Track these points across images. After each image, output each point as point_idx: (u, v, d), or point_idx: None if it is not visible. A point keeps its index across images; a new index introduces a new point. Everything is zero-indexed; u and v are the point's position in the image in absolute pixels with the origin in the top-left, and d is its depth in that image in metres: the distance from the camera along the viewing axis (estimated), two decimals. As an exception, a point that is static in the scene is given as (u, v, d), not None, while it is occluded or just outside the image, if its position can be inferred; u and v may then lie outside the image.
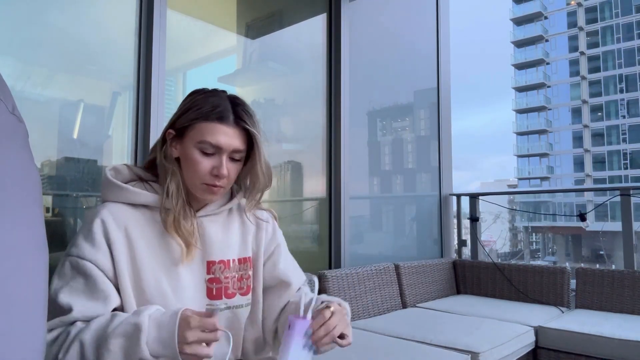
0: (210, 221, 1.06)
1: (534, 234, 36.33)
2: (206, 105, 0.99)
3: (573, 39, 40.04)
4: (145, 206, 1.01)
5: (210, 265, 1.04)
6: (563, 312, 2.63)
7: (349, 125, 2.86)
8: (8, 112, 0.39)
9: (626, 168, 36.58)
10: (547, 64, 41.81)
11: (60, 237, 1.81)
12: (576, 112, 39.70)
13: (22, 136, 0.40)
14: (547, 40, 41.81)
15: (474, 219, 3.40)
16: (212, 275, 1.04)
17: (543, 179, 41.41)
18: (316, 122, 2.83)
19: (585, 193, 32.65)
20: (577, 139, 39.60)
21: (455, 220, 3.68)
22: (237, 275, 1.07)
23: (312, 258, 2.76)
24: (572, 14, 40.32)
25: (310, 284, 0.96)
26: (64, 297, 0.90)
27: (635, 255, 2.71)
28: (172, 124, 1.03)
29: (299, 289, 1.14)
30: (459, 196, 3.65)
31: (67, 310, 0.89)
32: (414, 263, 2.94)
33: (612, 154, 37.64)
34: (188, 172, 1.00)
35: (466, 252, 3.50)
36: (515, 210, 34.62)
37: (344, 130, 2.82)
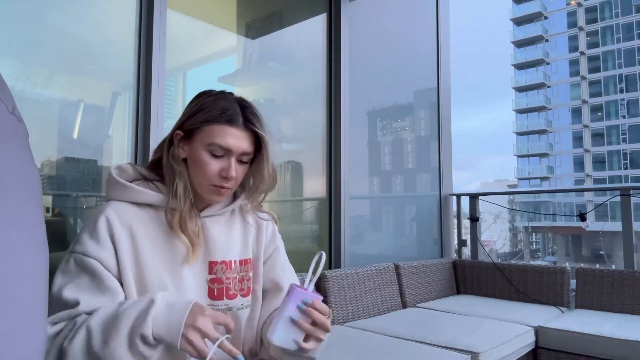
0: (213, 222, 1.07)
1: (534, 234, 36.34)
2: (215, 108, 1.00)
3: (573, 39, 40.05)
4: (149, 205, 1.02)
5: (212, 266, 1.04)
6: (563, 312, 2.63)
7: (349, 125, 2.86)
8: (8, 112, 0.39)
9: (626, 168, 36.58)
10: (547, 64, 41.81)
11: (60, 237, 1.82)
12: (576, 112, 39.70)
13: (22, 136, 0.40)
14: (547, 40, 41.81)
15: (474, 219, 3.40)
16: (213, 276, 1.04)
17: (543, 179, 41.41)
18: (316, 122, 2.83)
19: (585, 193, 32.66)
20: (577, 139, 39.61)
21: (455, 220, 3.68)
22: (238, 277, 1.07)
23: (312, 258, 2.75)
24: (572, 14, 40.33)
25: (318, 259, 0.95)
26: (70, 293, 0.90)
27: (635, 255, 2.71)
28: (180, 125, 1.03)
29: None
30: (459, 196, 3.65)
31: (74, 304, 0.89)
32: (414, 263, 2.94)
33: (612, 154, 37.65)
34: (196, 173, 1.01)
35: (466, 252, 3.50)
36: (515, 210, 34.64)
37: (344, 130, 2.82)
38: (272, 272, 1.14)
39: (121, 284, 0.94)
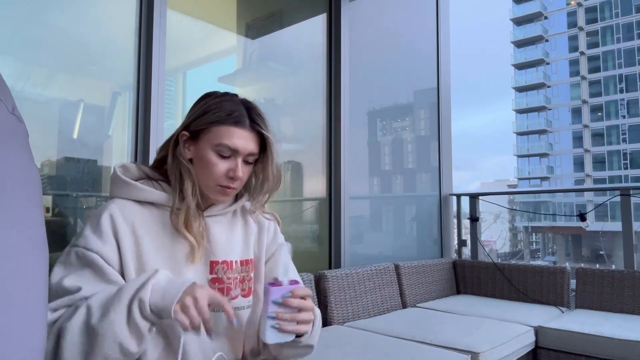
0: (215, 221, 1.08)
1: (534, 234, 36.33)
2: (222, 110, 1.01)
3: (573, 39, 40.04)
4: (152, 204, 1.03)
5: (213, 265, 1.05)
6: (563, 312, 2.63)
7: (349, 125, 2.86)
8: (8, 112, 0.39)
9: (626, 168, 36.57)
10: (547, 64, 41.80)
11: (60, 237, 1.81)
12: (576, 112, 39.69)
13: (22, 136, 0.40)
14: (547, 40, 41.80)
15: (474, 219, 3.40)
16: (214, 275, 1.05)
17: (543, 179, 41.41)
18: (316, 122, 2.83)
19: (585, 193, 32.65)
20: (577, 139, 39.60)
21: (455, 220, 3.68)
22: (239, 277, 1.08)
23: (312, 258, 2.76)
24: (572, 14, 40.32)
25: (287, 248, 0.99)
26: (71, 282, 0.90)
27: (635, 255, 2.71)
28: (186, 126, 1.04)
29: None
30: (459, 196, 3.65)
31: (75, 291, 0.89)
32: (414, 263, 2.94)
33: (612, 154, 37.64)
34: (203, 174, 1.02)
35: (466, 252, 3.50)
36: (515, 210, 34.65)
37: (344, 130, 2.82)
38: (273, 271, 1.14)
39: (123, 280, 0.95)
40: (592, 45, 38.80)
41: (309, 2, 2.91)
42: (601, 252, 28.71)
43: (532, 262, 9.68)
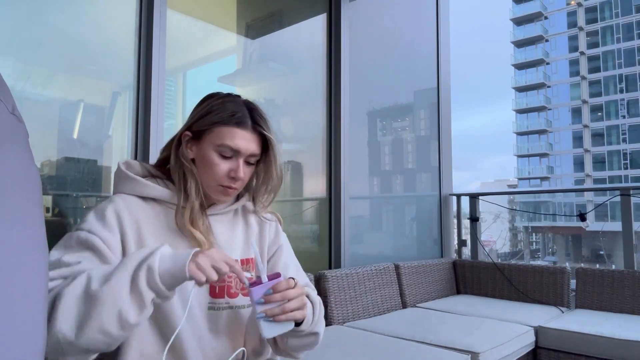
0: (217, 220, 1.09)
1: (534, 234, 36.32)
2: (224, 110, 1.02)
3: (573, 39, 40.04)
4: (154, 200, 1.04)
5: None
6: (563, 312, 2.63)
7: (349, 125, 2.86)
8: (8, 112, 0.39)
9: (626, 168, 36.57)
10: (547, 64, 41.80)
11: (60, 237, 1.81)
12: (576, 112, 39.69)
13: (22, 136, 0.40)
14: (547, 40, 41.80)
15: (474, 219, 3.40)
16: None
17: (543, 179, 41.40)
18: (316, 122, 2.83)
19: (585, 193, 32.64)
20: (577, 139, 39.60)
21: (455, 220, 3.68)
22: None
23: (312, 258, 2.76)
24: (572, 14, 40.32)
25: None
26: (70, 257, 0.89)
27: (635, 255, 2.71)
28: (188, 127, 1.05)
29: None
30: (459, 196, 3.65)
31: (75, 263, 0.88)
32: (414, 263, 2.94)
33: (612, 154, 37.63)
34: (205, 173, 1.03)
35: (466, 252, 3.50)
36: (515, 210, 34.63)
37: (344, 130, 2.82)
38: (274, 270, 1.14)
39: None
40: (592, 45, 38.80)
41: (309, 2, 2.91)
42: (601, 252, 28.71)
43: (532, 262, 9.68)
